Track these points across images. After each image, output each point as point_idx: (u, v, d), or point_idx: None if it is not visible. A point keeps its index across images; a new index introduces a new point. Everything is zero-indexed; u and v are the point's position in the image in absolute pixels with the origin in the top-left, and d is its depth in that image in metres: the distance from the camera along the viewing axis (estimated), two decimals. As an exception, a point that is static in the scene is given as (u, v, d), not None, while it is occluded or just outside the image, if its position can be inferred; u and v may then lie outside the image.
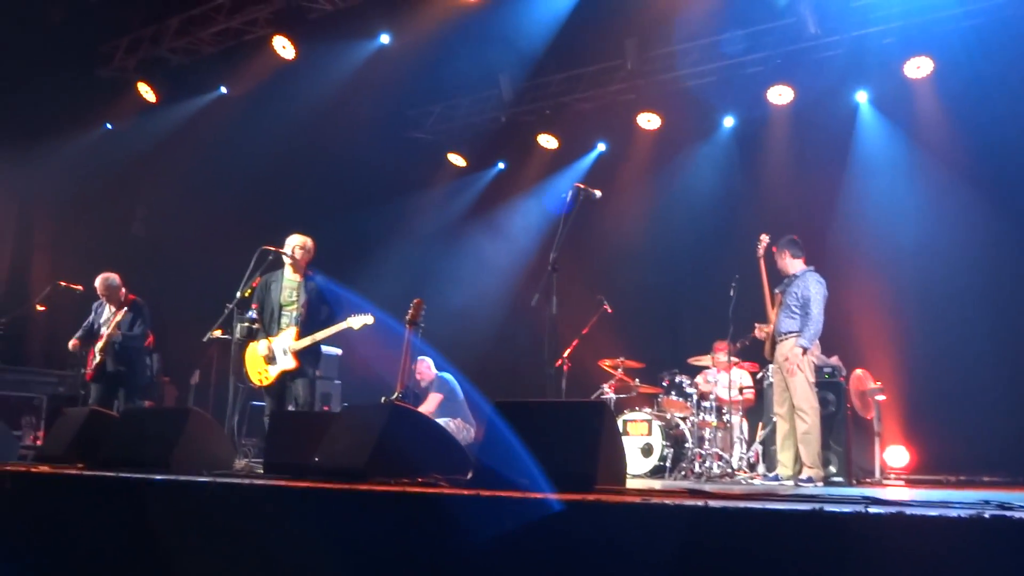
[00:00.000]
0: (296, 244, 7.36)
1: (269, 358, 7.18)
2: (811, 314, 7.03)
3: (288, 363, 7.13)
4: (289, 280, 7.38)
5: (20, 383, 10.03)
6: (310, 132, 11.63)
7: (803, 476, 6.89)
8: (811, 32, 9.62)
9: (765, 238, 7.52)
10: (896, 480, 8.77)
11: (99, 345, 8.40)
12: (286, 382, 7.22)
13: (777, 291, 7.41)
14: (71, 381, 10.40)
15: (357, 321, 7.16)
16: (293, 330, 7.19)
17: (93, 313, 8.70)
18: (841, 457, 7.80)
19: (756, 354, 8.86)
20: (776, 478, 7.20)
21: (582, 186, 6.51)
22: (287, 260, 7.33)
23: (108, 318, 8.52)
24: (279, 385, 7.22)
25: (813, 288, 7.10)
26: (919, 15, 9.36)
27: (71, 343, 8.52)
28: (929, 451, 9.21)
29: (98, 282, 8.58)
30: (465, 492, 3.33)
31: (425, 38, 10.42)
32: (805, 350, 7.00)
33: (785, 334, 7.16)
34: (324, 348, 8.85)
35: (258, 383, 7.28)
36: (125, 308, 8.52)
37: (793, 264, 7.36)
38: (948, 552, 2.32)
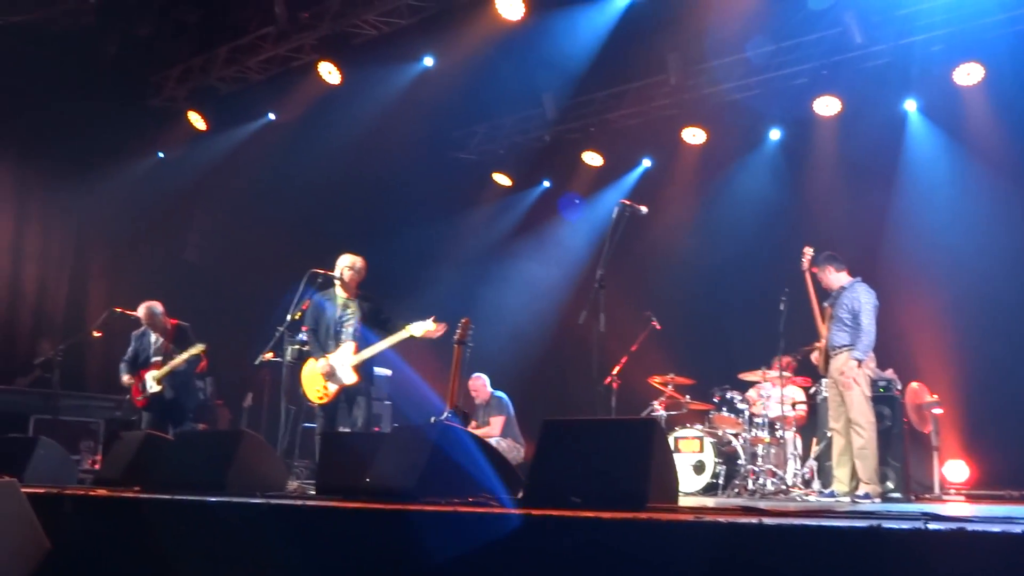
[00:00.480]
0: (346, 264, 7.43)
1: (329, 374, 7.20)
2: (863, 325, 6.93)
3: (350, 378, 7.17)
4: (342, 299, 7.43)
5: (79, 408, 10.22)
6: (357, 155, 11.75)
7: (860, 492, 6.77)
8: (857, 41, 9.50)
9: (809, 250, 7.43)
10: (956, 495, 8.57)
11: (156, 374, 8.46)
12: (345, 399, 7.25)
13: (826, 305, 7.31)
14: (128, 406, 10.59)
15: (418, 328, 7.12)
16: (351, 345, 7.23)
17: (135, 342, 8.74)
18: (899, 472, 7.67)
19: (809, 368, 8.74)
20: (832, 494, 7.07)
21: (628, 202, 6.50)
22: (337, 281, 7.39)
23: (157, 345, 8.63)
24: (335, 403, 7.24)
25: (863, 298, 7.00)
26: (965, 22, 9.20)
27: (125, 378, 8.60)
28: (990, 465, 8.99)
29: (142, 311, 8.66)
30: (516, 511, 3.32)
31: (468, 59, 10.49)
32: (860, 362, 6.89)
33: (839, 348, 7.06)
34: (375, 369, 8.92)
35: (317, 401, 7.29)
36: (171, 334, 8.64)
37: (838, 278, 7.26)
38: (1012, 570, 2.26)
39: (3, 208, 11.24)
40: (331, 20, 10.27)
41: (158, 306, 8.73)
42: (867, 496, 6.68)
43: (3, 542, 4.20)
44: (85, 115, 11.21)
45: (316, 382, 7.26)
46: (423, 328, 7.12)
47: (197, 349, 8.39)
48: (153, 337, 8.68)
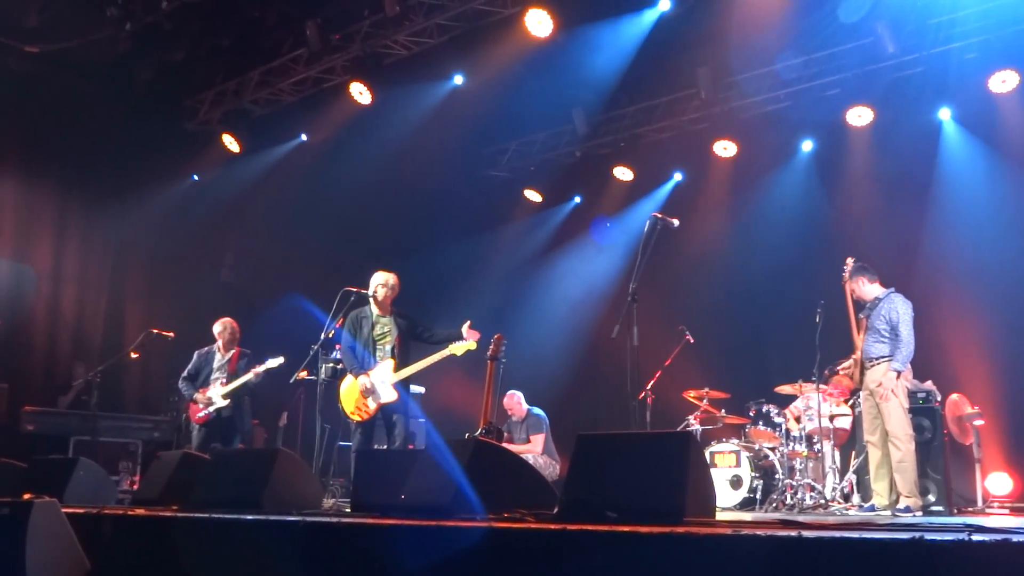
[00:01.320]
0: (379, 282, 7.47)
1: (368, 392, 7.21)
2: (902, 336, 6.84)
3: (389, 395, 7.19)
4: (377, 316, 7.47)
5: (117, 429, 10.33)
6: (388, 174, 11.84)
7: (900, 506, 6.66)
8: (889, 51, 9.43)
9: (851, 261, 7.34)
10: (1000, 508, 8.41)
11: (222, 390, 8.52)
12: (382, 417, 7.27)
13: (861, 316, 7.22)
14: (166, 426, 10.69)
15: (459, 347, 7.19)
16: (390, 362, 7.27)
17: (197, 359, 8.81)
18: (940, 485, 7.54)
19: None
20: (872, 508, 6.97)
21: (660, 216, 6.48)
22: (371, 299, 7.43)
23: (223, 364, 8.71)
24: (372, 420, 7.27)
25: (901, 309, 6.92)
26: (1000, 29, 9.10)
27: (198, 395, 8.58)
28: (1034, 478, 8.82)
29: (219, 327, 8.77)
30: (552, 526, 3.31)
31: (498, 77, 10.55)
32: (899, 374, 6.80)
33: (876, 359, 6.97)
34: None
35: (355, 418, 7.30)
36: (240, 355, 8.74)
37: (871, 289, 7.17)
38: (1059, 581, 2.21)
39: (43, 233, 11.41)
40: (361, 41, 10.37)
41: (235, 324, 8.87)
42: (908, 510, 6.58)
43: (44, 562, 4.24)
44: (122, 140, 11.39)
45: (355, 400, 7.28)
46: (463, 347, 7.18)
47: (276, 362, 8.45)
48: (219, 356, 8.77)
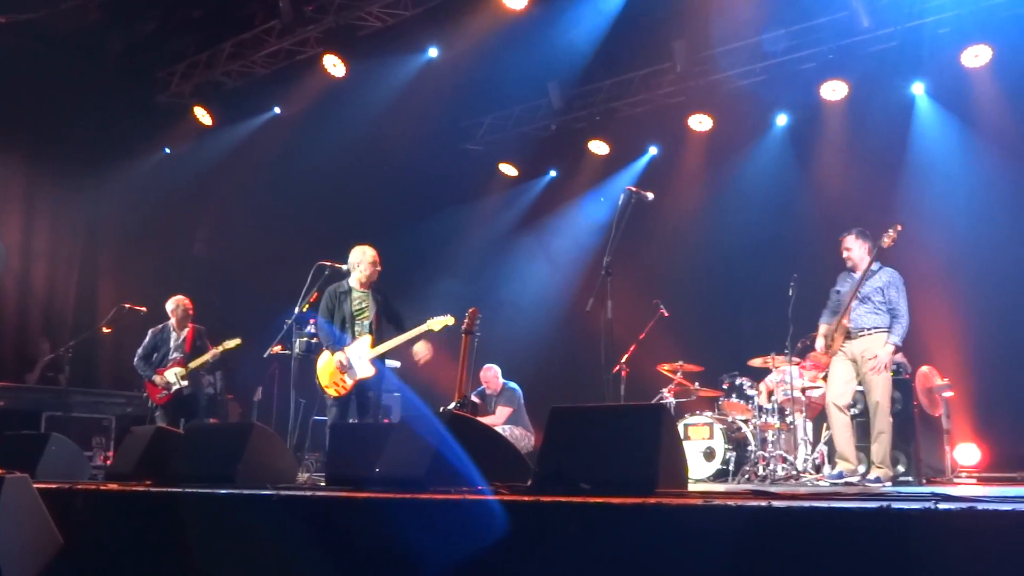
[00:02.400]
0: (358, 257, 7.39)
1: (345, 367, 7.16)
2: (901, 311, 6.89)
3: (367, 371, 7.15)
4: (357, 291, 7.40)
5: (90, 405, 10.26)
6: (363, 148, 11.77)
7: (871, 476, 6.73)
8: (863, 25, 9.46)
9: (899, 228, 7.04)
10: (967, 479, 8.55)
11: (180, 371, 8.56)
12: (358, 391, 7.23)
13: (845, 284, 7.18)
14: (139, 402, 10.63)
15: (437, 323, 7.16)
16: (367, 338, 7.21)
17: (151, 338, 8.80)
18: (910, 456, 7.65)
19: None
20: (840, 475, 6.95)
21: (634, 189, 6.48)
22: (353, 272, 7.37)
23: (179, 343, 8.70)
24: (348, 395, 7.22)
25: (901, 287, 6.97)
26: (972, 3, 9.15)
27: (157, 377, 8.64)
28: (1001, 448, 8.96)
29: (171, 305, 8.77)
30: (525, 498, 3.32)
31: (473, 50, 10.47)
32: (898, 348, 6.86)
33: (869, 329, 6.93)
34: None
35: (333, 393, 7.23)
36: (192, 333, 8.74)
37: (866, 257, 7.14)
38: (1022, 547, 2.25)
39: (12, 207, 11.27)
40: (335, 13, 10.26)
41: (188, 302, 8.87)
42: (878, 480, 6.65)
43: (15, 538, 4.22)
44: (92, 112, 11.25)
45: (333, 375, 7.23)
46: (441, 322, 7.16)
47: (233, 343, 8.49)
48: (175, 335, 8.73)
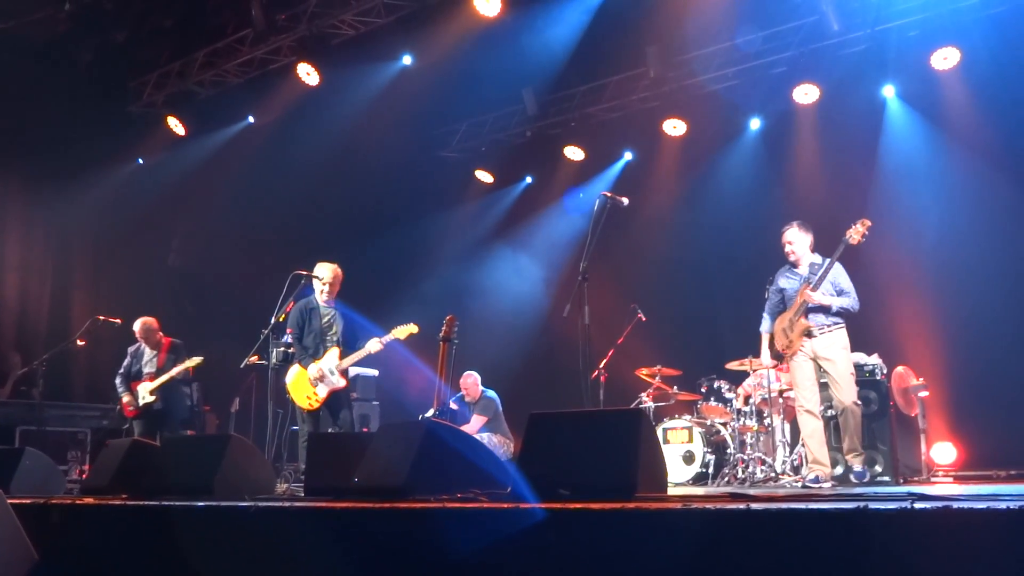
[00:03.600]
0: (322, 273, 7.55)
1: (317, 380, 7.28)
2: (850, 292, 6.77)
3: (339, 382, 7.29)
4: (323, 307, 7.57)
5: (65, 418, 10.17)
6: (338, 156, 11.73)
7: (858, 468, 6.65)
8: (833, 29, 9.55)
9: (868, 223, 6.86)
10: (944, 477, 8.62)
11: (149, 385, 8.63)
12: (330, 402, 7.33)
13: (790, 280, 7.10)
14: (114, 415, 10.54)
15: (402, 331, 7.29)
16: (336, 350, 7.35)
17: (130, 357, 8.90)
18: (886, 456, 7.70)
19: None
20: (816, 479, 6.87)
21: (609, 194, 6.48)
22: (317, 287, 7.45)
23: (152, 358, 8.73)
24: (323, 407, 7.33)
25: (844, 276, 6.84)
26: (940, 6, 9.25)
27: (126, 398, 8.73)
28: (977, 447, 9.03)
29: (137, 326, 8.83)
30: (505, 506, 3.32)
31: (447, 57, 10.46)
32: (841, 315, 6.74)
33: (830, 326, 6.77)
34: (362, 370, 8.96)
35: (306, 406, 7.34)
36: (169, 346, 8.76)
37: (809, 251, 7.03)
38: (998, 545, 2.27)
39: (-18, 220, 11.17)
40: (308, 21, 10.25)
41: (153, 323, 8.89)
42: (863, 471, 6.64)
43: (-10, 554, 4.16)
44: (63, 123, 11.15)
45: (305, 388, 7.33)
46: (406, 331, 7.30)
47: (194, 361, 8.59)
48: (148, 351, 8.76)
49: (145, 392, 8.63)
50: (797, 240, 7.03)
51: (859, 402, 6.81)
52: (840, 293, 6.82)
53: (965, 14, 9.21)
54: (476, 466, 4.30)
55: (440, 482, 4.07)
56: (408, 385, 10.65)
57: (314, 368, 7.30)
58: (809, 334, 6.83)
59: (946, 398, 9.11)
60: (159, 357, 8.75)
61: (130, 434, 8.64)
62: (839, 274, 6.89)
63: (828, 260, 6.86)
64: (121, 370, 8.85)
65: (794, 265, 7.10)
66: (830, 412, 7.42)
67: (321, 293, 7.51)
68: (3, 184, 11.31)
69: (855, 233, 6.76)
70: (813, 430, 6.89)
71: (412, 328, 7.30)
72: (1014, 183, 9.20)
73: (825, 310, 6.79)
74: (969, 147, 9.55)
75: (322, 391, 7.27)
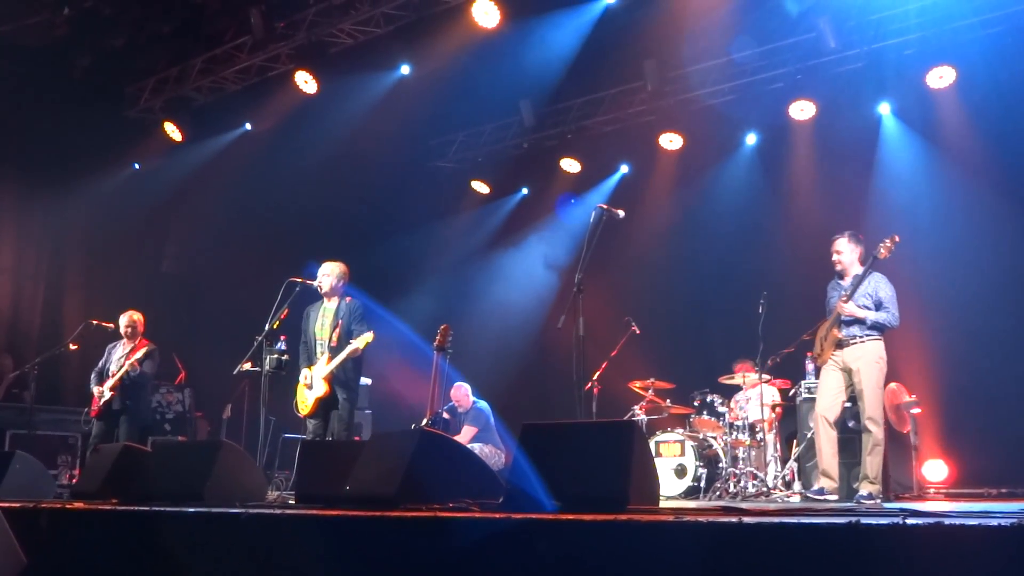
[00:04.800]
0: (325, 272, 7.44)
1: (308, 387, 7.29)
2: (888, 307, 6.66)
3: (321, 389, 7.21)
4: (326, 308, 7.47)
5: (56, 422, 10.12)
6: (334, 165, 11.74)
7: (863, 492, 6.51)
8: (830, 46, 9.58)
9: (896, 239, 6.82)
10: (935, 495, 8.63)
11: (109, 383, 8.52)
12: (324, 409, 7.29)
13: (835, 292, 7.08)
14: (84, 416, 10.50)
15: (360, 341, 7.14)
16: (327, 356, 7.29)
17: (106, 355, 8.83)
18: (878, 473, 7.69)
19: (787, 371, 8.77)
20: (821, 492, 6.73)
21: (605, 207, 6.49)
22: (321, 289, 7.39)
23: (120, 356, 8.65)
24: (319, 414, 7.30)
25: (886, 287, 6.74)
26: (937, 25, 9.31)
27: (96, 390, 8.61)
28: (968, 464, 9.05)
29: (125, 319, 8.74)
30: (496, 516, 3.31)
31: (445, 67, 10.50)
32: (880, 330, 6.67)
33: (862, 337, 6.69)
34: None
35: (303, 413, 7.36)
36: (142, 348, 8.65)
37: (858, 263, 6.95)
38: (989, 561, 2.27)
39: (-23, 222, 11.15)
40: (307, 29, 10.26)
41: (140, 319, 8.81)
42: (870, 496, 6.40)
43: (-22, 557, 4.14)
44: (59, 127, 11.14)
45: (301, 394, 7.36)
46: (364, 340, 7.12)
47: (140, 354, 8.47)
48: (120, 349, 8.69)
49: (107, 388, 8.50)
50: (845, 251, 6.96)
51: (878, 421, 6.63)
52: (879, 305, 6.72)
53: (962, 33, 9.26)
54: (468, 476, 4.30)
55: (432, 492, 4.07)
56: (400, 394, 10.62)
57: (306, 374, 7.33)
58: (839, 344, 6.78)
59: (938, 415, 9.13)
60: (127, 355, 8.58)
61: (92, 437, 8.57)
62: (880, 287, 6.77)
63: (864, 270, 6.82)
64: (98, 366, 8.75)
65: (840, 276, 7.04)
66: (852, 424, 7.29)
67: (320, 288, 7.41)
68: (-2, 187, 11.30)
69: (883, 248, 6.73)
70: (825, 439, 6.76)
71: (368, 336, 7.13)
72: (1009, 201, 9.23)
73: (860, 322, 6.70)
74: (964, 165, 9.59)
75: (311, 398, 7.26)
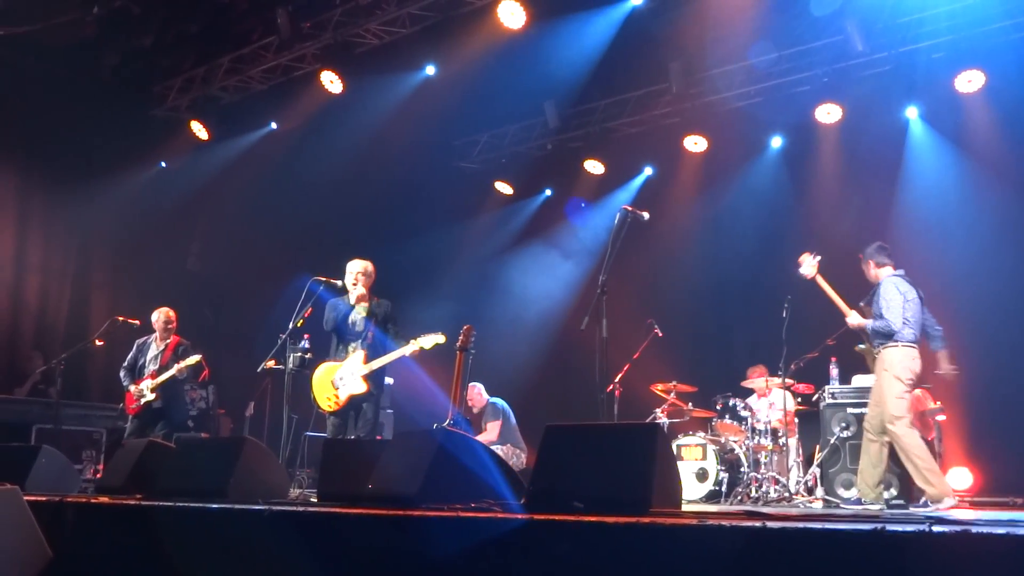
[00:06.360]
0: (357, 270, 7.38)
1: (339, 382, 7.15)
2: (884, 317, 6.69)
3: (358, 387, 7.09)
4: (358, 305, 7.36)
5: (81, 417, 10.20)
6: (359, 164, 11.78)
7: (921, 500, 6.50)
8: (858, 49, 9.51)
9: (806, 257, 7.08)
10: (960, 503, 8.52)
11: (150, 383, 8.51)
12: (354, 407, 7.18)
13: (862, 304, 7.10)
14: (120, 412, 10.58)
15: (428, 341, 7.07)
16: (361, 353, 7.17)
17: (136, 349, 8.82)
18: (902, 480, 7.62)
19: (810, 375, 8.71)
20: (859, 501, 6.75)
21: (630, 208, 6.47)
22: (347, 287, 7.35)
23: (156, 355, 8.67)
24: (344, 410, 7.18)
25: (889, 294, 6.76)
26: (968, 29, 9.22)
27: (132, 388, 8.62)
28: (994, 472, 8.95)
29: (159, 315, 8.75)
30: (518, 516, 3.31)
31: (470, 68, 10.51)
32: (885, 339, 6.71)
33: (876, 348, 6.80)
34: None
35: (327, 409, 7.20)
36: (176, 346, 8.68)
37: (879, 273, 7.02)
38: (1016, 571, 2.25)
39: (5, 219, 11.25)
40: (333, 29, 10.30)
41: (172, 315, 8.84)
42: (926, 504, 6.40)
43: (5, 550, 4.19)
44: (87, 126, 11.25)
45: (327, 389, 7.19)
46: (432, 340, 7.07)
47: (194, 360, 8.44)
48: (154, 347, 8.72)
49: (146, 389, 8.50)
50: (865, 269, 7.14)
51: (891, 424, 6.62)
52: (879, 314, 6.77)
53: (991, 37, 9.17)
54: (490, 476, 4.29)
55: (454, 492, 4.06)
56: (422, 394, 10.64)
57: (335, 369, 7.19)
58: (873, 356, 6.91)
59: (963, 423, 9.03)
60: (164, 354, 8.61)
61: (127, 434, 8.61)
62: (882, 294, 6.83)
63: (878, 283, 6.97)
64: (125, 363, 8.76)
65: None
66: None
67: (355, 283, 7.32)
68: (26, 185, 11.40)
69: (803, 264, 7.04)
70: (865, 449, 6.83)
71: (439, 338, 7.05)
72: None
73: (875, 333, 6.80)
74: (993, 170, 9.49)
75: (342, 395, 7.13)
